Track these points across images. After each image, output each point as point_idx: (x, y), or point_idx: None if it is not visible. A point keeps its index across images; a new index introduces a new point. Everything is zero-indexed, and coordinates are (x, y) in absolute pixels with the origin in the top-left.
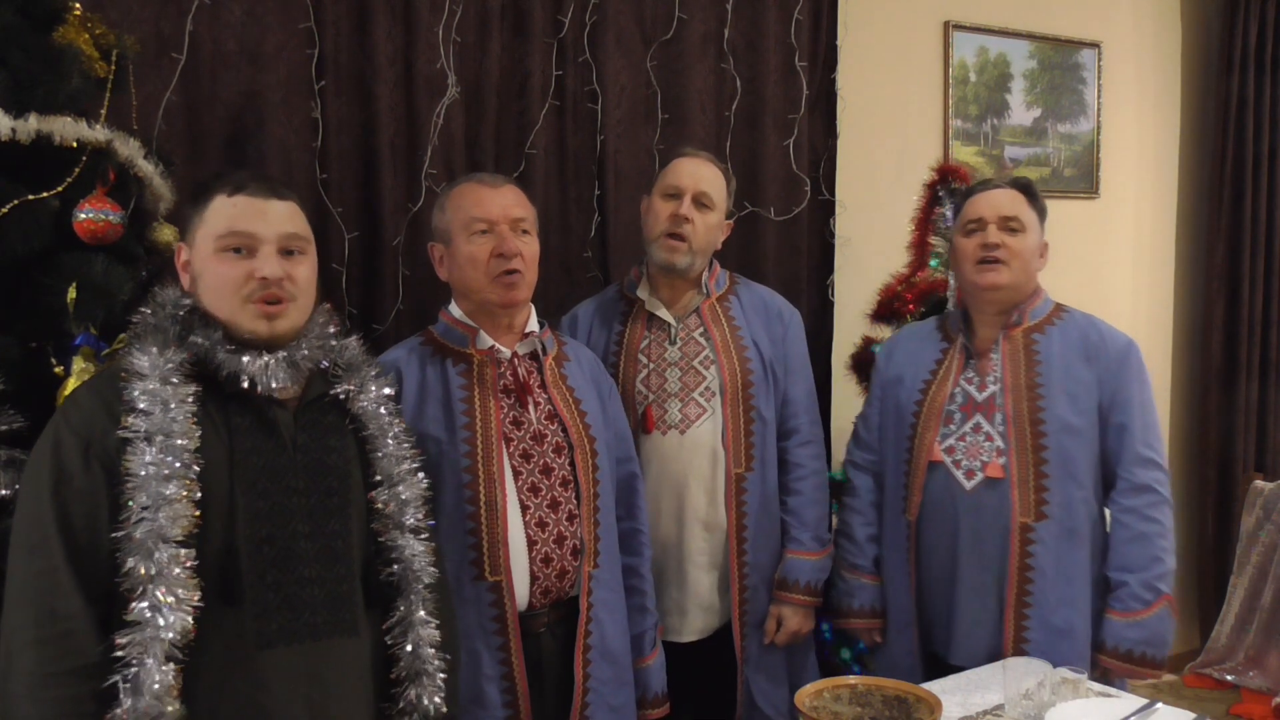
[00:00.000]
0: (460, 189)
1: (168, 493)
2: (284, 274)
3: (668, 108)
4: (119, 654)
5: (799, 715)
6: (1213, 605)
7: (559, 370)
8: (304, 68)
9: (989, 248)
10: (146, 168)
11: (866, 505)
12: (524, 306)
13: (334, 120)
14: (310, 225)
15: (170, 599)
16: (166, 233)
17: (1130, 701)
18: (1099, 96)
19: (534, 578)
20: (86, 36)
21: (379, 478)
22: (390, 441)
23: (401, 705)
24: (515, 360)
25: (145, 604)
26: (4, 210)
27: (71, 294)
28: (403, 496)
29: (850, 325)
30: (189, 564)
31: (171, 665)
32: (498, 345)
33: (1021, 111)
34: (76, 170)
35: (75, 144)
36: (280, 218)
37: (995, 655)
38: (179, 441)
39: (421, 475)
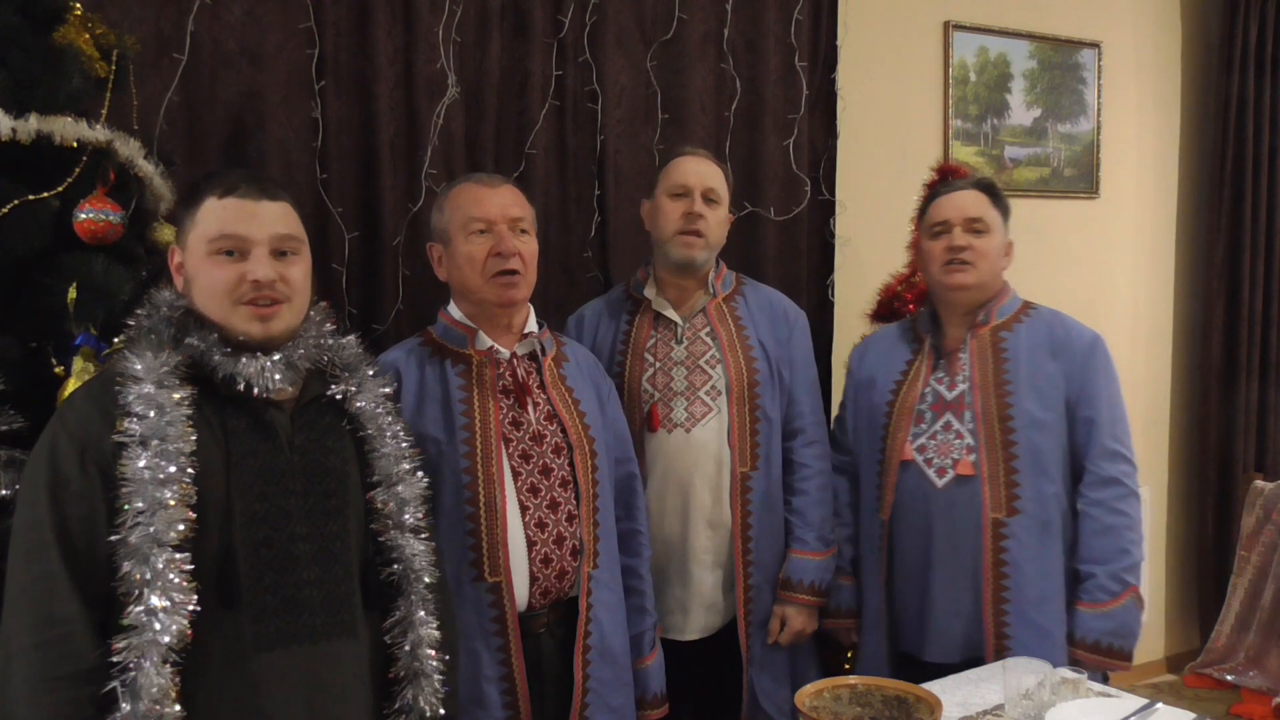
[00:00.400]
0: (459, 189)
1: (163, 497)
2: (276, 276)
3: (668, 108)
4: (116, 659)
5: (799, 715)
6: (1213, 605)
7: (558, 371)
8: (304, 68)
9: (955, 250)
10: (147, 168)
11: (843, 506)
12: (522, 307)
13: (334, 120)
14: (310, 225)
15: (166, 603)
16: (167, 233)
17: (1130, 701)
18: (1099, 96)
19: (533, 578)
20: (87, 36)
21: (377, 478)
22: (389, 441)
23: (399, 706)
24: (514, 361)
25: (141, 608)
26: (4, 210)
27: (72, 294)
28: (402, 496)
29: (850, 325)
30: (185, 568)
31: (169, 669)
32: (496, 346)
33: (1021, 111)
34: (77, 170)
35: (75, 144)
36: (272, 219)
37: (971, 651)
38: (174, 445)
39: (421, 474)
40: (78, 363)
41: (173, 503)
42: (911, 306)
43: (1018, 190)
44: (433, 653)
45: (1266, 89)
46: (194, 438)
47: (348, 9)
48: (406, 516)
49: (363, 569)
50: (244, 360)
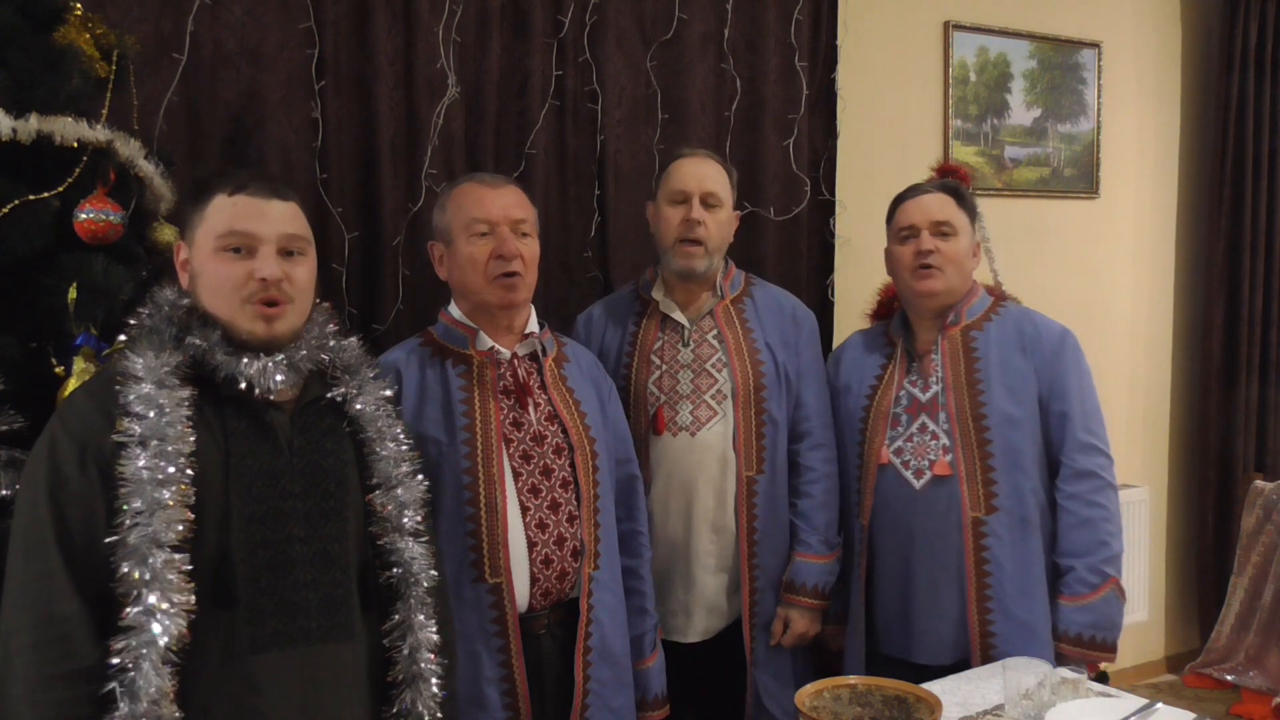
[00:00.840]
0: (461, 189)
1: (162, 497)
2: (283, 275)
3: (668, 108)
4: (115, 659)
5: (799, 715)
6: (1213, 605)
7: (559, 371)
8: (304, 68)
9: (923, 255)
10: (147, 168)
11: None
12: (523, 307)
13: (334, 120)
14: (310, 225)
15: (165, 603)
16: (167, 233)
17: (1130, 701)
18: (1099, 96)
19: (534, 579)
20: (87, 36)
21: (376, 480)
22: (390, 444)
23: (397, 709)
24: (515, 361)
25: (140, 608)
26: (4, 210)
27: (72, 294)
28: (401, 499)
29: (850, 325)
30: (183, 568)
31: (167, 670)
32: (497, 346)
33: (1021, 111)
34: (77, 170)
35: (76, 144)
36: (281, 218)
37: (959, 651)
38: (173, 446)
39: (420, 477)
40: (78, 363)
41: (171, 503)
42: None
43: (1018, 190)
44: (431, 656)
45: (1266, 89)
46: (193, 438)
47: (348, 9)
48: (406, 519)
49: (361, 572)
50: (246, 360)
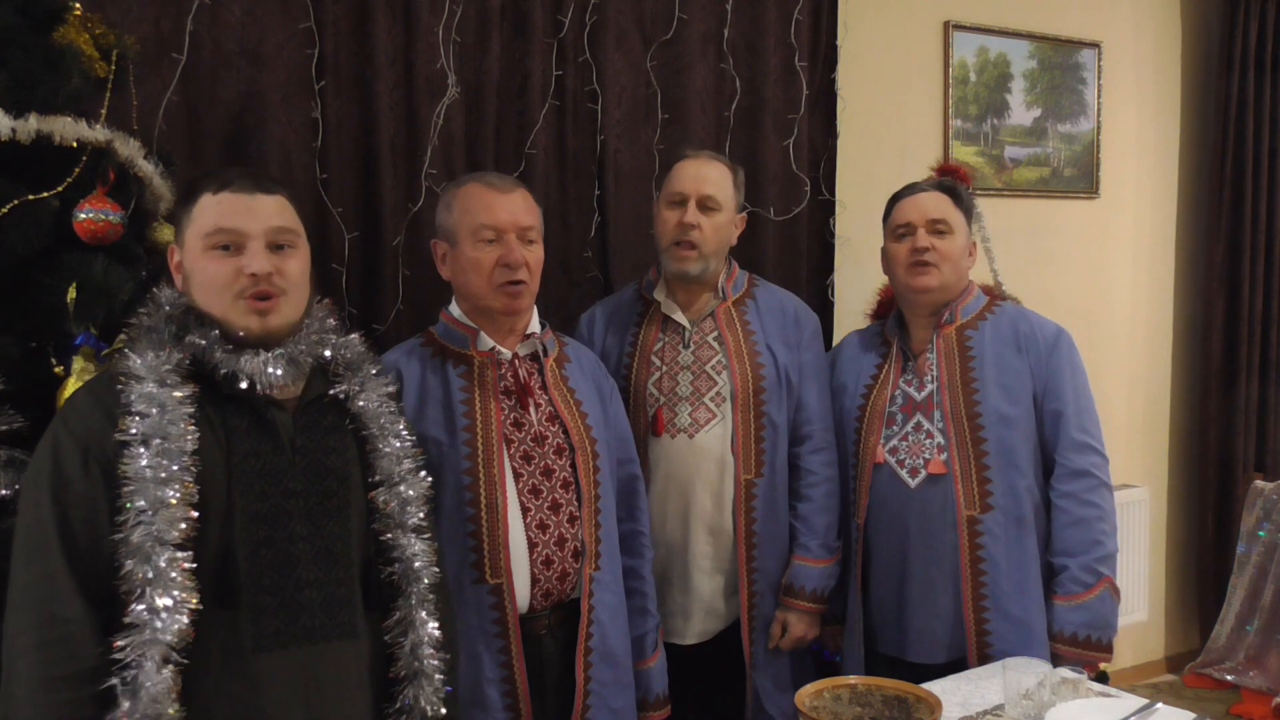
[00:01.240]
0: (468, 189)
1: (165, 496)
2: (273, 269)
3: (668, 108)
4: (118, 657)
5: (799, 715)
6: (1213, 605)
7: (560, 371)
8: (304, 68)
9: (919, 252)
10: (147, 168)
11: None
12: (526, 311)
13: (334, 120)
14: (310, 225)
15: (168, 602)
16: (167, 233)
17: (1130, 701)
18: (1099, 96)
19: (535, 580)
20: (86, 36)
21: (379, 478)
22: (392, 440)
23: (399, 706)
24: (516, 361)
25: (143, 607)
26: (4, 210)
27: (71, 294)
28: (404, 496)
29: (850, 325)
30: (186, 567)
31: (170, 668)
32: (498, 347)
33: (1021, 111)
34: (76, 170)
35: (75, 144)
36: (267, 212)
37: (954, 651)
38: (176, 444)
39: (423, 474)
40: (78, 363)
41: (174, 501)
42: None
43: (1018, 190)
44: (433, 652)
45: (1266, 89)
46: (195, 436)
47: (348, 9)
48: (408, 516)
49: (364, 569)
50: (245, 356)
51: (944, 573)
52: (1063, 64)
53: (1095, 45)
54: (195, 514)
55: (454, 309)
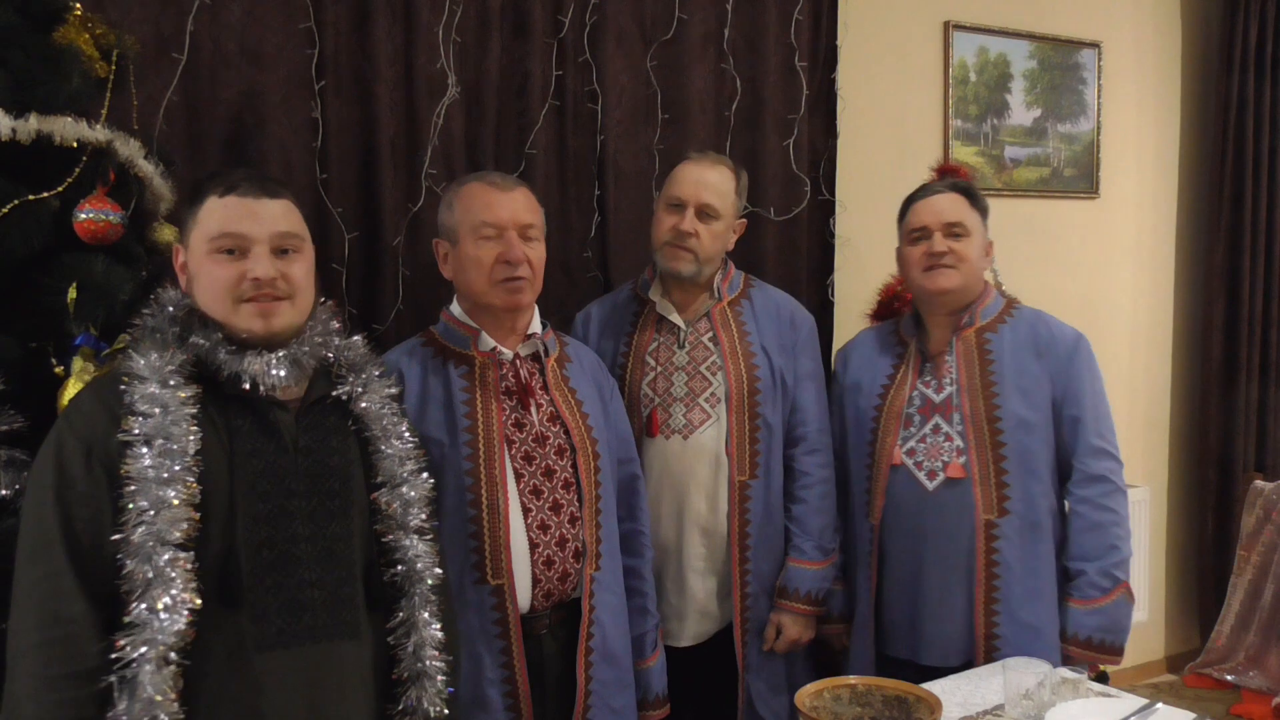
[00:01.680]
0: (470, 188)
1: (167, 496)
2: (277, 273)
3: (668, 108)
4: (118, 656)
5: (799, 715)
6: (1213, 605)
7: (561, 371)
8: (304, 68)
9: (935, 256)
10: (147, 168)
11: None
12: (527, 309)
13: (334, 120)
14: (310, 225)
15: (169, 601)
16: (167, 233)
17: (1130, 701)
18: (1099, 96)
19: (536, 580)
20: (86, 36)
21: (381, 478)
22: (395, 442)
23: (402, 707)
24: (517, 362)
25: (144, 606)
26: (4, 210)
27: (72, 294)
28: (406, 497)
29: (850, 325)
30: (188, 567)
31: (170, 668)
32: (500, 347)
33: (1021, 111)
34: (77, 170)
35: (75, 144)
36: (273, 217)
37: (966, 654)
38: (178, 445)
39: (425, 475)
40: (78, 363)
41: (176, 502)
42: (911, 307)
43: (1018, 190)
44: (436, 654)
45: (1266, 89)
46: (198, 437)
47: (348, 9)
48: (411, 517)
49: (366, 570)
50: (248, 358)
51: (958, 576)
52: (1063, 64)
53: (1095, 45)
54: (197, 514)
55: (455, 309)
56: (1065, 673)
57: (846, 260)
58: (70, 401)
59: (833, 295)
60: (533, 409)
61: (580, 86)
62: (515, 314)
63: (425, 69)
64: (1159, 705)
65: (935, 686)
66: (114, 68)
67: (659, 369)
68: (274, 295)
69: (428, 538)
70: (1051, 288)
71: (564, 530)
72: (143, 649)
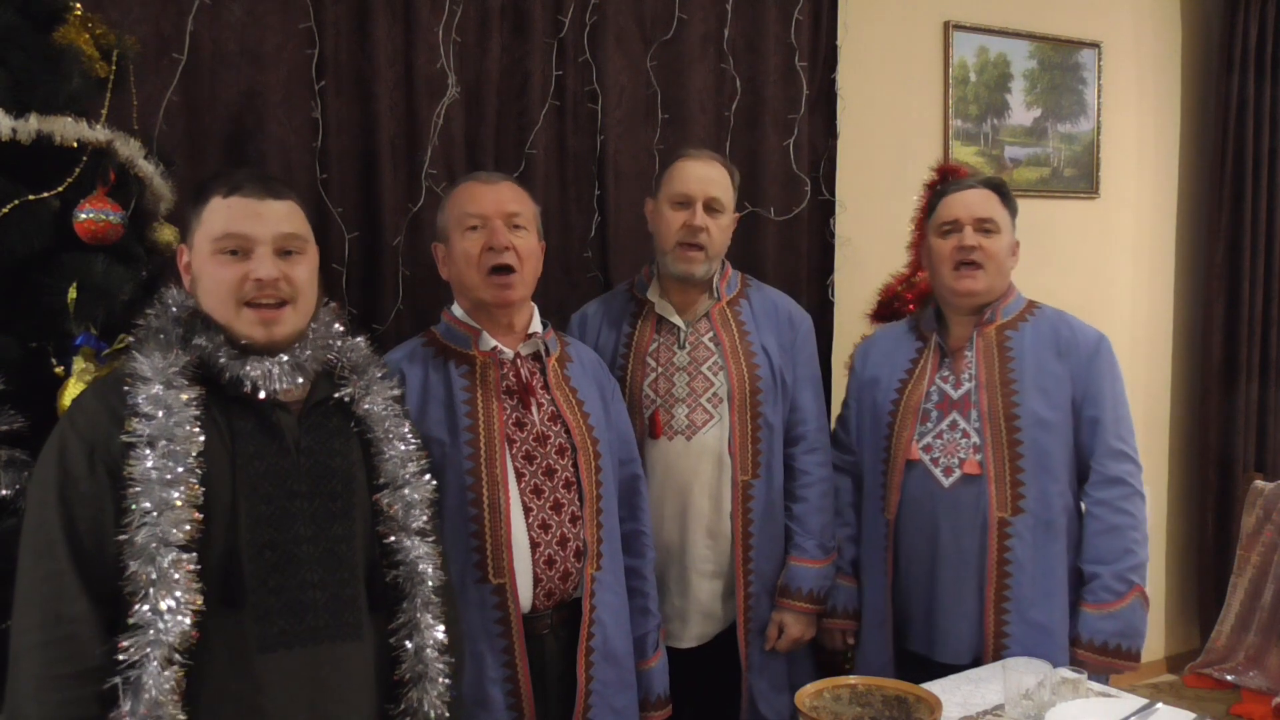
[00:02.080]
0: (460, 187)
1: (170, 497)
2: (280, 275)
3: (668, 108)
4: (121, 657)
5: (799, 715)
6: (1213, 605)
7: (562, 371)
8: (304, 68)
9: (965, 250)
10: (147, 168)
11: (845, 506)
12: (522, 306)
13: (334, 120)
14: (310, 225)
15: (171, 603)
16: (167, 233)
17: (1130, 701)
18: (1099, 96)
19: (537, 580)
20: (87, 36)
21: (383, 480)
22: (398, 443)
23: (404, 708)
24: (518, 361)
25: (147, 607)
26: (4, 210)
27: (72, 294)
28: (408, 498)
29: (850, 325)
30: (190, 568)
31: (173, 669)
32: (500, 346)
33: (1021, 111)
34: (77, 170)
35: (75, 144)
36: (277, 218)
37: (977, 651)
38: (181, 446)
39: (428, 477)
40: (78, 363)
41: (179, 503)
42: (911, 306)
43: (1018, 190)
44: (438, 655)
45: (1266, 89)
46: (201, 438)
47: (348, 9)
48: (412, 520)
49: (368, 571)
50: (251, 362)
51: (971, 573)
52: (1063, 64)
53: (1095, 45)
54: (200, 515)
55: (456, 309)
56: (1065, 673)
57: (846, 260)
58: (73, 402)
59: (833, 295)
60: (534, 408)
61: (580, 86)
62: (510, 310)
63: (425, 69)
64: (1159, 705)
65: (935, 686)
66: (114, 68)
67: (660, 370)
68: (277, 298)
69: (429, 539)
70: (1051, 288)
71: (565, 529)
72: (146, 650)
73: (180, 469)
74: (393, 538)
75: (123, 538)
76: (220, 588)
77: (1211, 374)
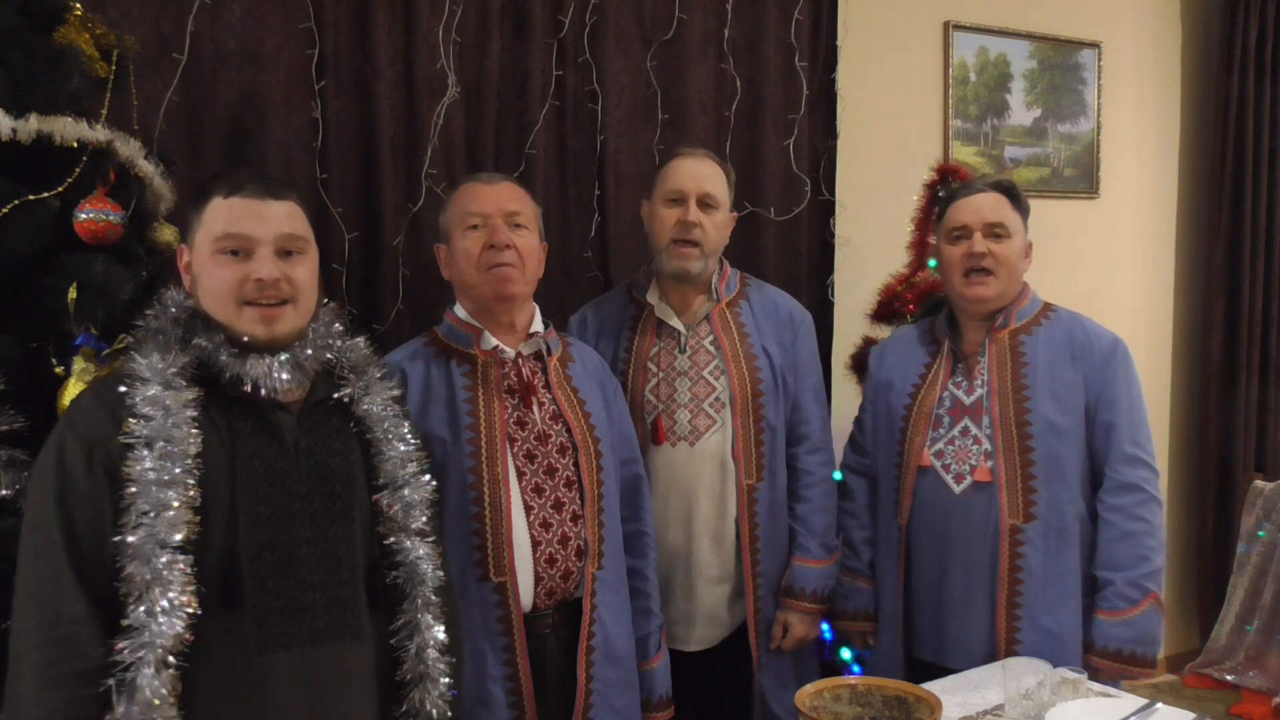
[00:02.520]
0: (461, 188)
1: (167, 498)
2: (281, 275)
3: (668, 108)
4: (118, 659)
5: (799, 715)
6: (1213, 605)
7: (563, 371)
8: (304, 68)
9: (975, 257)
10: (147, 168)
11: (862, 508)
12: (523, 304)
13: (334, 120)
14: (310, 225)
15: (166, 604)
16: (167, 233)
17: (1130, 701)
18: (1099, 96)
19: (538, 579)
20: (87, 36)
21: (383, 480)
22: (397, 444)
23: (405, 709)
24: (519, 360)
25: (143, 609)
26: (4, 210)
27: (72, 294)
28: (408, 499)
29: (850, 325)
30: (187, 570)
31: (168, 671)
32: (502, 345)
33: (1021, 111)
34: (77, 170)
35: (76, 144)
36: (277, 218)
37: (989, 659)
38: (179, 447)
39: (428, 478)
40: (78, 363)
41: (176, 504)
42: (911, 306)
43: None
44: (439, 656)
45: (1266, 89)
46: (199, 439)
47: (348, 9)
48: (412, 520)
49: (368, 572)
50: (251, 360)
51: (982, 581)
52: (1063, 64)
53: (1095, 45)
54: (197, 517)
55: (458, 309)
56: (1065, 673)
57: (846, 260)
58: (72, 402)
59: (833, 295)
60: (535, 407)
61: (580, 86)
62: (510, 307)
63: (425, 69)
64: (1159, 705)
65: (935, 686)
66: (114, 68)
67: (661, 375)
68: (277, 297)
69: (429, 540)
70: (1051, 288)
71: (566, 528)
72: (141, 652)
73: (177, 470)
74: (392, 538)
75: (119, 539)
76: (219, 589)
77: (1211, 374)
